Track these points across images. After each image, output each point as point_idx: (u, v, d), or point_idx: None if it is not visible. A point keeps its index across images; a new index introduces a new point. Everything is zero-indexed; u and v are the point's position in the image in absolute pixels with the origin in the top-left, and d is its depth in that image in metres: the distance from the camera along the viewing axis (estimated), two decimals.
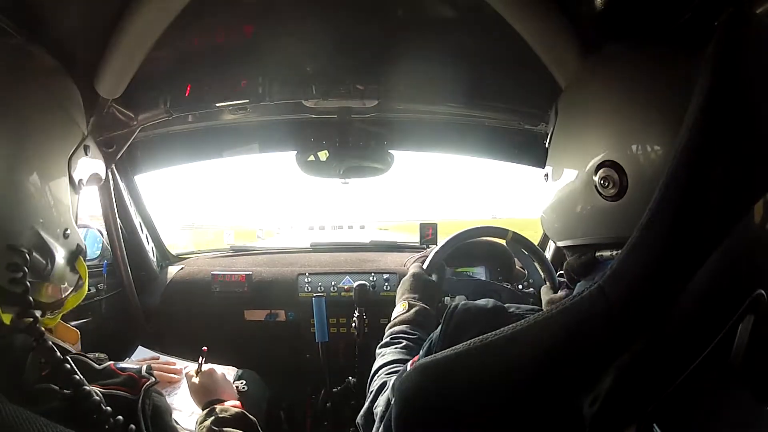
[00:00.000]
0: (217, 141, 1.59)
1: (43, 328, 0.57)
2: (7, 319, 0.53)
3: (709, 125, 0.42)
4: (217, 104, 1.16)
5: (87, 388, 0.55)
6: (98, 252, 1.49)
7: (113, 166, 1.38)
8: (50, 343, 0.55)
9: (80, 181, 0.66)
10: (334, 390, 1.52)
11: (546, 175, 0.70)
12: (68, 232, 0.62)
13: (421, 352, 0.72)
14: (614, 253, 0.58)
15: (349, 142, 1.46)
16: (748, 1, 0.53)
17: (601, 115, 0.60)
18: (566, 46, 0.83)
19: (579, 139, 0.63)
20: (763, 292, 0.43)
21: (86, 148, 0.68)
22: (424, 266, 1.18)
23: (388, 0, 1.00)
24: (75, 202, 0.66)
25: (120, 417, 0.56)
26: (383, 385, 0.82)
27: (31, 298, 0.54)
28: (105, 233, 1.47)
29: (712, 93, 0.42)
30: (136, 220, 1.59)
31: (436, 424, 0.51)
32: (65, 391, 0.54)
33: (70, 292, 0.64)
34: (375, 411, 0.76)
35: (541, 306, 0.86)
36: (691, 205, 0.42)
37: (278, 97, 1.15)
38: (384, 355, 0.93)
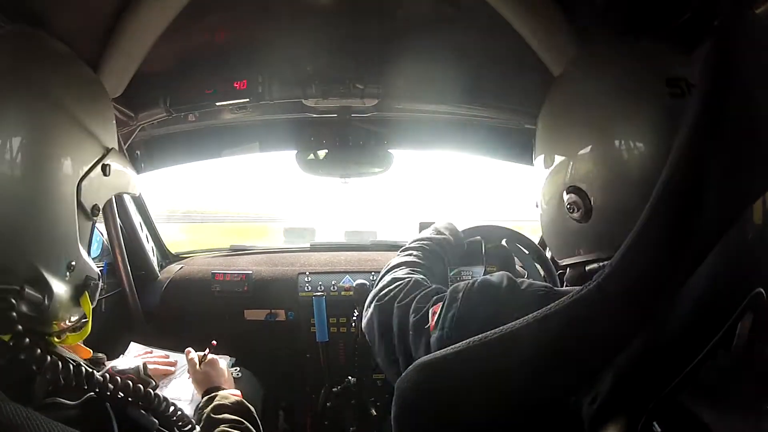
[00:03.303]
0: (217, 140, 1.59)
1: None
2: (7, 337, 0.50)
3: (707, 126, 0.42)
4: (218, 103, 1.16)
5: (106, 382, 0.55)
6: (98, 252, 1.49)
7: None
8: (55, 357, 0.54)
9: (95, 206, 0.58)
10: (334, 390, 1.52)
11: (536, 203, 0.72)
12: (73, 264, 0.55)
13: (435, 321, 0.64)
14: (601, 264, 0.60)
15: (348, 142, 1.46)
16: (747, 2, 0.53)
17: (562, 133, 0.63)
18: (561, 43, 0.83)
19: (552, 165, 0.65)
20: (762, 290, 0.43)
21: (106, 168, 0.58)
22: (461, 229, 1.11)
23: (388, 0, 1.01)
24: (87, 230, 0.59)
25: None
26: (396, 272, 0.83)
27: (20, 328, 0.49)
28: (105, 233, 1.46)
29: (711, 94, 0.42)
30: (136, 219, 1.59)
31: (434, 422, 0.51)
32: (71, 401, 0.53)
33: (70, 328, 0.59)
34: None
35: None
36: (689, 204, 0.42)
37: (278, 97, 1.15)
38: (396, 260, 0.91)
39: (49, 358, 0.51)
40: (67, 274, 0.55)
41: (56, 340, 0.59)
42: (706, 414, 0.47)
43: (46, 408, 0.51)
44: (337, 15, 1.02)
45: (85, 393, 0.54)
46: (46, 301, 0.52)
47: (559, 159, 0.63)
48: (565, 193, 0.61)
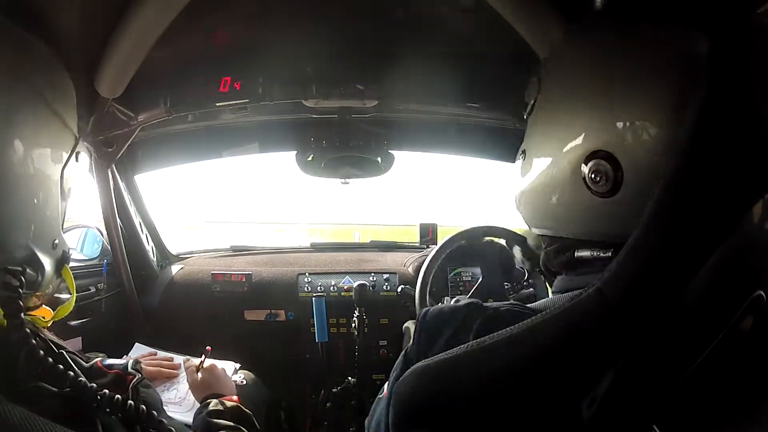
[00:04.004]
0: (217, 141, 1.59)
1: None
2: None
3: (709, 124, 0.42)
4: (217, 104, 1.16)
5: (82, 381, 0.55)
6: (98, 252, 1.49)
7: (113, 166, 1.38)
8: (40, 341, 0.56)
9: (70, 189, 0.65)
10: (333, 390, 1.52)
11: (523, 152, 0.62)
12: (56, 242, 0.62)
13: (397, 362, 0.64)
14: (595, 253, 0.52)
15: (349, 142, 1.46)
16: (747, 1, 0.53)
17: (587, 92, 0.52)
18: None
19: (564, 119, 0.55)
20: (762, 293, 0.42)
21: (77, 155, 0.65)
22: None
23: (388, 0, 1.01)
24: (63, 210, 0.65)
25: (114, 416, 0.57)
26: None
27: (21, 303, 0.54)
28: (105, 233, 1.47)
29: (713, 92, 0.42)
30: (136, 219, 1.59)
31: (432, 427, 0.51)
32: (55, 388, 0.54)
33: (46, 300, 0.64)
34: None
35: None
36: (692, 206, 0.41)
37: (278, 97, 1.15)
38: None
39: (34, 341, 0.54)
40: (52, 251, 0.61)
41: (43, 320, 0.62)
42: (705, 416, 0.47)
43: (30, 393, 0.52)
44: (338, 16, 1.02)
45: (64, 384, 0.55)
46: (40, 277, 0.58)
47: (578, 121, 0.52)
48: (585, 157, 0.50)
